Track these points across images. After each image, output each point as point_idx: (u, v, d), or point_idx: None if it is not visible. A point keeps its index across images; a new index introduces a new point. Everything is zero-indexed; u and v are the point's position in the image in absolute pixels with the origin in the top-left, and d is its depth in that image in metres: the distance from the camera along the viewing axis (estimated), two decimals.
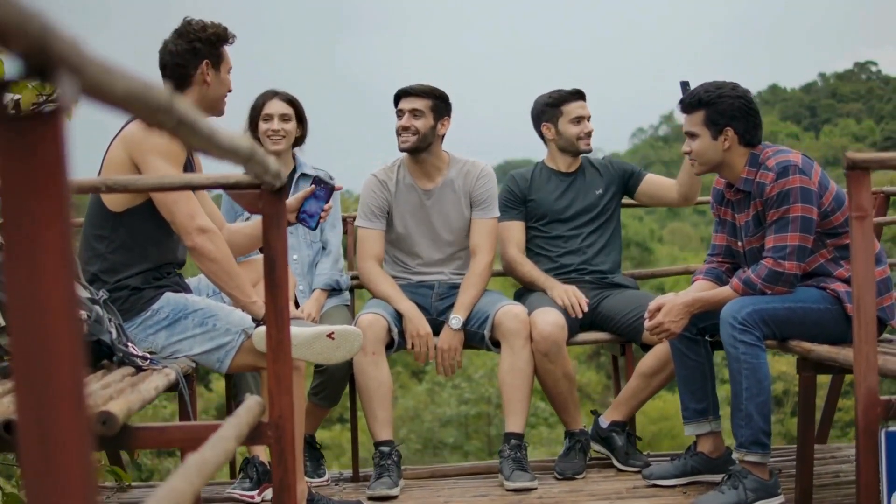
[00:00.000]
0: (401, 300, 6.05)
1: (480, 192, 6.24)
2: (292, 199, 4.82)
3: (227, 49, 5.12)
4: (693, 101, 5.31)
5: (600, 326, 6.30)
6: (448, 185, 6.25)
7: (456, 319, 5.99)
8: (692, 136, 5.33)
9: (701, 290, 5.44)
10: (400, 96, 6.21)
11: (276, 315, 3.39)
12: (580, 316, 6.13)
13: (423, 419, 25.57)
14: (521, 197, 6.47)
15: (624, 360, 6.46)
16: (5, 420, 2.95)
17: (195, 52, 4.97)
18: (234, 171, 3.16)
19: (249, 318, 4.82)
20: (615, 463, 6.08)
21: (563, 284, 6.22)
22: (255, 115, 6.26)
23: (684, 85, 6.39)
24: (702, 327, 5.45)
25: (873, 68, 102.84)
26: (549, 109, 6.48)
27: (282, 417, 3.38)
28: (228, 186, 3.94)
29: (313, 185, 4.94)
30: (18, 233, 1.36)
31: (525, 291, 6.38)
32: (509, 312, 5.90)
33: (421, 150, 6.16)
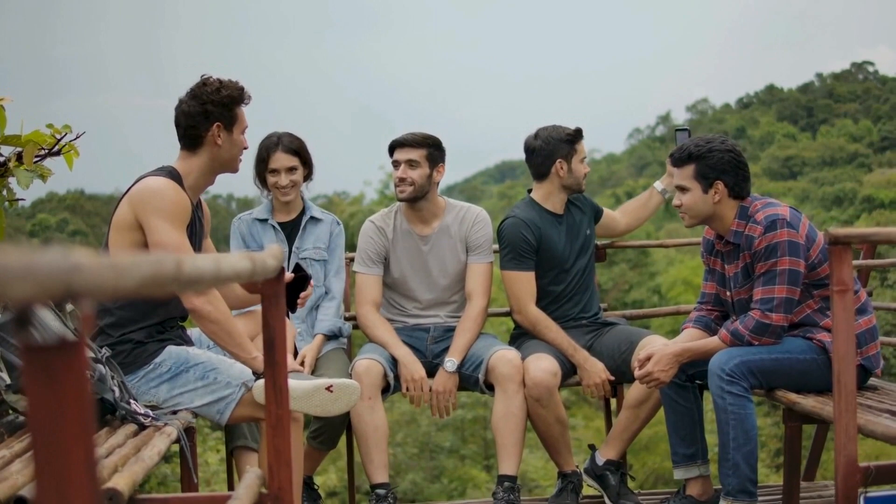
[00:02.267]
0: (396, 346, 6.13)
1: (476, 238, 6.34)
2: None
3: (244, 109, 5.16)
4: (683, 155, 5.40)
5: None
6: (444, 230, 6.35)
7: (451, 362, 6.09)
8: (683, 189, 5.42)
9: (690, 338, 5.55)
10: (395, 147, 6.28)
11: (275, 388, 3.49)
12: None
13: (419, 423, 25.55)
14: (535, 246, 6.31)
15: (615, 402, 6.54)
16: (18, 497, 3.05)
17: (207, 114, 5.02)
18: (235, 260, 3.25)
19: (249, 371, 4.92)
20: (607, 501, 6.16)
21: (593, 362, 6.20)
22: (262, 167, 6.33)
23: (681, 132, 6.53)
24: (691, 374, 5.55)
25: (870, 68, 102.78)
26: (564, 146, 6.36)
27: (281, 490, 3.50)
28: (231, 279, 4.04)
29: (292, 274, 5.09)
30: (47, 451, 1.47)
31: (520, 335, 6.40)
32: (503, 357, 5.98)
33: (418, 199, 6.26)
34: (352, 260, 6.58)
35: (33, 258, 1.28)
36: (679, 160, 5.44)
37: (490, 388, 6.06)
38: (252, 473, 3.42)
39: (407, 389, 6.06)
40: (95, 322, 4.89)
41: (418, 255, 6.35)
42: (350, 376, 5.78)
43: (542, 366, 5.92)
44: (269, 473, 3.52)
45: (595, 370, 6.16)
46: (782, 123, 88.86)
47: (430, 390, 6.08)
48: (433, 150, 6.27)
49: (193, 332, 5.45)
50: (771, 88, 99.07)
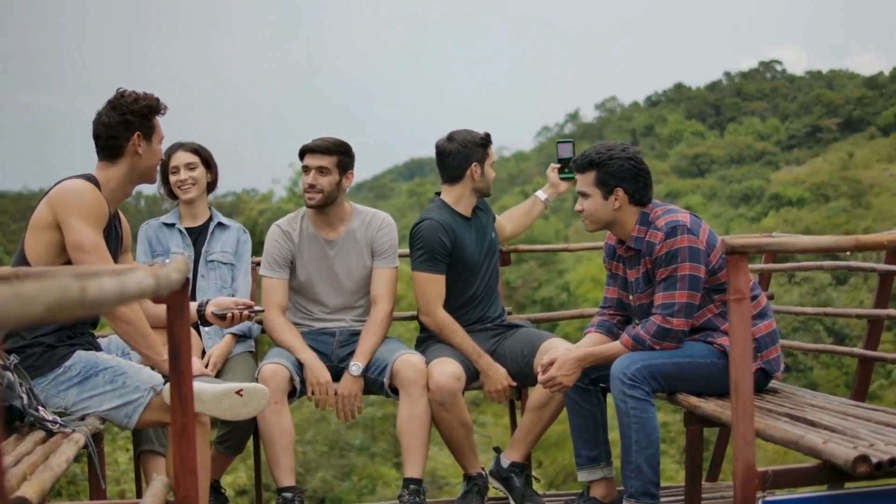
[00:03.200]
0: (302, 350, 6.15)
1: (382, 242, 6.36)
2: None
3: (159, 119, 5.26)
4: (584, 162, 5.47)
5: None
6: (350, 235, 6.37)
7: (356, 366, 6.10)
8: (584, 195, 5.49)
9: (592, 343, 5.61)
10: (305, 152, 6.29)
11: (180, 398, 3.50)
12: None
13: (328, 421, 25.49)
14: (450, 249, 6.29)
15: (519, 404, 6.58)
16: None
17: (127, 124, 5.11)
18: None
19: (158, 375, 4.94)
20: (512, 503, 6.19)
21: (496, 368, 6.25)
22: (165, 170, 6.41)
23: (563, 144, 6.70)
24: (594, 377, 5.61)
25: (778, 67, 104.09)
26: (478, 150, 6.39)
27: (188, 497, 3.54)
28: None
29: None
30: None
31: (426, 339, 6.42)
32: (407, 361, 6.01)
33: (326, 205, 6.27)
34: (258, 264, 6.60)
35: None
36: (581, 167, 5.50)
37: (395, 391, 6.08)
38: (158, 482, 3.45)
39: (313, 393, 6.07)
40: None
41: (324, 260, 6.36)
42: (256, 380, 5.80)
43: (446, 370, 5.95)
44: (176, 481, 3.54)
45: (497, 377, 6.20)
46: (690, 121, 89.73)
47: (336, 394, 6.09)
48: (343, 156, 6.29)
49: (102, 341, 5.48)
50: (679, 87, 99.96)
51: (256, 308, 5.49)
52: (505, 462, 6.24)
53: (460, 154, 6.37)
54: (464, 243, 6.33)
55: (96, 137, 5.17)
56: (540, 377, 5.53)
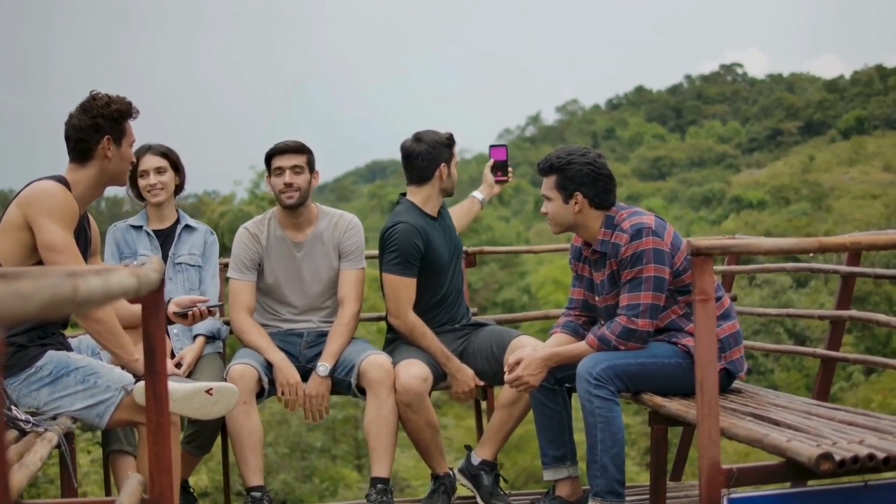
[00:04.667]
0: (271, 351, 6.19)
1: (349, 244, 6.41)
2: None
3: (131, 123, 5.29)
4: (546, 165, 5.56)
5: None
6: (317, 237, 6.41)
7: (323, 367, 6.14)
8: (547, 198, 5.58)
9: (558, 343, 5.66)
10: (274, 154, 6.33)
11: (155, 395, 3.54)
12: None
13: (290, 423, 25.47)
14: (423, 252, 6.26)
15: (486, 404, 6.65)
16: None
17: (97, 127, 5.15)
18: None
19: (129, 375, 4.98)
20: (479, 502, 6.23)
21: (464, 371, 6.29)
22: (134, 172, 6.41)
23: (496, 148, 6.80)
24: (560, 377, 5.66)
25: (739, 70, 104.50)
26: (445, 151, 6.40)
27: (162, 495, 3.58)
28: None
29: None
30: None
31: (394, 340, 6.44)
32: (374, 362, 6.05)
33: (302, 204, 6.32)
34: (226, 266, 6.64)
35: None
36: (543, 170, 5.60)
37: (362, 392, 6.12)
38: (134, 479, 3.50)
39: (282, 394, 6.11)
40: None
41: (292, 262, 6.40)
42: (225, 380, 5.82)
43: (413, 371, 5.99)
44: (151, 479, 3.59)
45: (465, 378, 6.25)
46: (651, 124, 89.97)
47: (304, 395, 6.13)
48: (310, 156, 6.38)
49: (73, 341, 5.51)
50: (640, 90, 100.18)
51: (213, 304, 5.54)
52: (476, 460, 6.27)
53: (429, 155, 6.35)
54: (436, 244, 6.32)
55: (67, 139, 5.20)
56: (506, 377, 5.58)
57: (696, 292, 3.92)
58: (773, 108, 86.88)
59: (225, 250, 6.93)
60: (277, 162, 6.31)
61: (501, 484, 6.37)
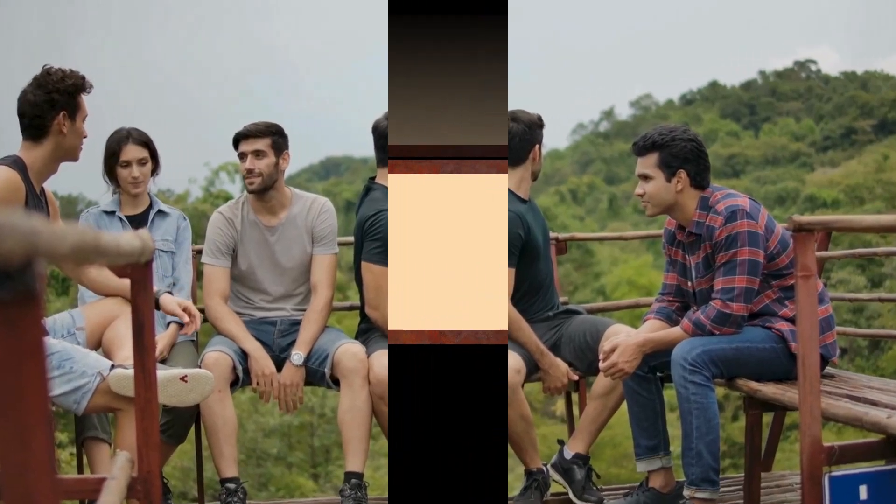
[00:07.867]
0: (246, 339, 6.11)
1: (322, 228, 6.33)
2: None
3: (84, 98, 5.24)
4: (647, 143, 5.49)
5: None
6: (291, 221, 6.33)
7: (298, 356, 6.04)
8: (646, 178, 5.50)
9: (652, 329, 5.63)
10: (239, 139, 6.27)
11: (143, 376, 3.54)
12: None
13: (245, 429, 25.06)
14: (523, 240, 6.10)
15: (577, 396, 6.53)
16: None
17: (52, 103, 5.09)
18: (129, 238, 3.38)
19: (105, 360, 4.97)
20: (571, 497, 6.12)
21: (556, 365, 6.16)
22: (113, 161, 6.32)
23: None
24: (653, 365, 5.63)
25: (813, 67, 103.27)
26: (539, 132, 6.27)
27: (150, 473, 3.57)
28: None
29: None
30: (7, 397, 1.62)
31: (367, 331, 6.31)
32: (348, 351, 5.95)
33: (268, 188, 6.25)
34: (199, 252, 6.59)
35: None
36: (642, 149, 5.52)
37: (336, 382, 6.01)
38: (122, 456, 3.44)
39: (258, 384, 6.04)
40: None
41: (265, 247, 6.32)
42: (200, 368, 5.68)
43: (385, 362, 5.67)
44: (139, 457, 3.57)
45: (559, 375, 6.13)
46: (725, 121, 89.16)
47: (279, 384, 6.06)
48: (277, 137, 6.27)
49: (48, 320, 5.50)
50: (714, 85, 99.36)
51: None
52: (568, 453, 6.16)
53: (525, 134, 6.18)
54: (533, 230, 6.18)
55: (21, 116, 5.14)
56: (601, 364, 5.55)
57: (799, 269, 3.91)
58: (847, 106, 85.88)
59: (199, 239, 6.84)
60: (241, 147, 6.25)
61: (594, 479, 6.24)
